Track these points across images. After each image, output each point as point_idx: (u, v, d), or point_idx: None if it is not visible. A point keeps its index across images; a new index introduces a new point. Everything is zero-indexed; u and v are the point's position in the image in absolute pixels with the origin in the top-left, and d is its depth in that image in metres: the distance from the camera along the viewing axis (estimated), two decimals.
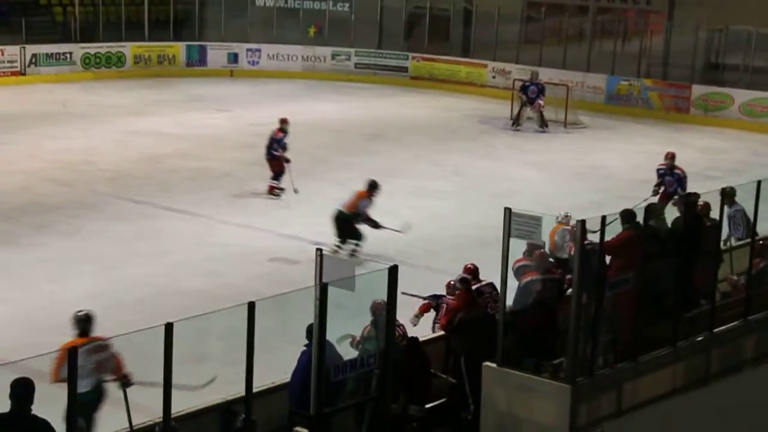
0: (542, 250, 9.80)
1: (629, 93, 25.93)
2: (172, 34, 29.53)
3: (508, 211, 8.88)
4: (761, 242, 10.99)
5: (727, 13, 25.86)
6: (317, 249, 8.02)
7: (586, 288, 8.89)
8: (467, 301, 9.53)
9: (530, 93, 23.37)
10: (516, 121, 23.52)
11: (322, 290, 7.53)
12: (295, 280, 10.28)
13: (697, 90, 25.17)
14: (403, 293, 11.11)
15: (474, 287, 9.83)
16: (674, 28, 26.68)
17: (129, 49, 28.55)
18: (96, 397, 8.15)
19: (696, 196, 10.23)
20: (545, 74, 26.38)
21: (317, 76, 29.11)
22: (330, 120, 24.03)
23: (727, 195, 10.76)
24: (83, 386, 7.42)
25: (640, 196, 15.52)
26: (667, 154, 16.60)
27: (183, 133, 21.85)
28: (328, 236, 14.74)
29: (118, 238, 14.85)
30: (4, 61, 26.74)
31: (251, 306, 7.21)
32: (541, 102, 23.32)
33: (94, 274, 13.33)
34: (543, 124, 23.42)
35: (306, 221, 15.95)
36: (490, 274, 10.01)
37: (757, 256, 10.90)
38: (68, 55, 27.80)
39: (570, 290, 9.53)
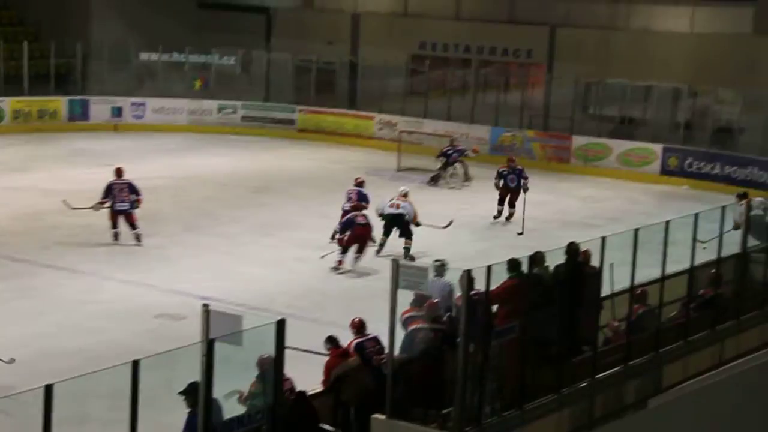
0: (432, 300, 9.87)
1: (512, 144, 26.50)
2: (54, 88, 29.01)
3: (395, 263, 8.97)
4: (640, 289, 11.30)
5: (603, 66, 26.75)
6: (203, 304, 7.94)
7: (473, 337, 9.00)
8: (339, 356, 9.58)
9: (451, 160, 23.71)
10: (434, 180, 23.65)
11: (209, 346, 7.45)
12: (182, 336, 10.13)
13: (577, 140, 25.89)
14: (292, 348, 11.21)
15: (357, 341, 9.86)
16: (554, 81, 27.46)
17: (8, 104, 27.93)
18: None
19: (576, 244, 10.47)
20: (430, 125, 26.86)
21: (204, 129, 28.96)
22: (217, 173, 23.89)
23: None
24: None
25: (525, 244, 15.81)
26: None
27: (65, 189, 21.37)
28: (215, 291, 14.59)
29: None
30: None
31: (135, 364, 7.08)
32: (469, 154, 23.90)
33: None
34: (467, 178, 23.74)
35: (192, 276, 15.77)
36: (380, 326, 10.06)
37: (636, 303, 11.21)
38: None
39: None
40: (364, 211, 17.10)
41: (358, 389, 9.36)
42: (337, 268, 16.46)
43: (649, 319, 11.36)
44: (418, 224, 17.51)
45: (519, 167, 20.62)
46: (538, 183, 24.03)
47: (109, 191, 17.52)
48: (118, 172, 17.88)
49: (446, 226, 18.31)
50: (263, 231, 18.84)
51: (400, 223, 17.38)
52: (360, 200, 17.68)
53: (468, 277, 8.97)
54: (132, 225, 17.44)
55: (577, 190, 23.62)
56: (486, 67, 29.44)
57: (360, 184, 18.31)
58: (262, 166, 25.23)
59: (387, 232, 17.43)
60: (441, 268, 11.62)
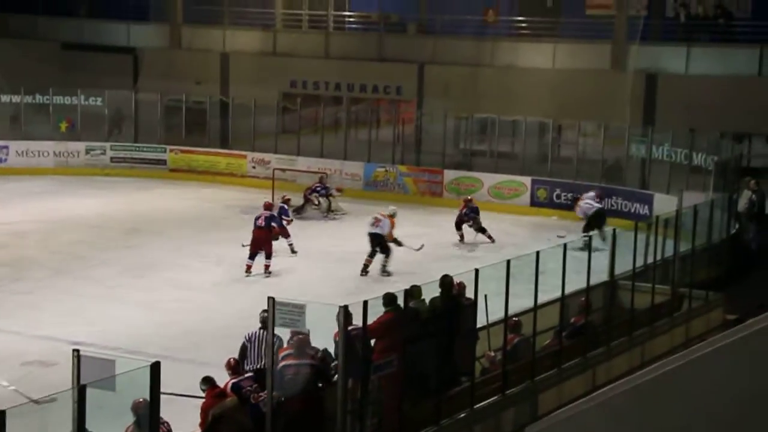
0: (301, 336, 9.67)
1: (386, 179, 26.74)
2: None
3: (271, 301, 8.93)
4: (514, 319, 11.51)
5: (471, 102, 27.31)
6: (74, 349, 7.73)
7: (351, 372, 9.00)
8: (216, 397, 9.47)
9: (320, 194, 24.06)
10: (299, 210, 23.79)
11: (80, 392, 7.25)
12: (54, 383, 9.82)
13: (449, 175, 26.28)
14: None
15: (234, 381, 9.75)
16: (424, 117, 27.87)
17: None
18: None
19: (450, 277, 10.61)
20: (303, 162, 26.89)
21: (71, 171, 28.29)
22: (87, 216, 23.35)
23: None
24: None
25: (402, 279, 15.93)
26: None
27: None
28: (87, 336, 14.21)
29: None
30: None
31: (1, 415, 6.82)
32: (333, 194, 24.35)
33: None
34: (330, 211, 24.13)
35: (62, 321, 15.33)
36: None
37: (511, 333, 11.41)
38: None
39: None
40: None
41: (236, 429, 9.24)
42: (247, 272, 18.35)
43: (524, 348, 11.58)
44: (397, 243, 18.88)
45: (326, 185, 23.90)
46: (411, 216, 24.32)
47: None
48: None
49: (419, 249, 19.51)
50: (136, 273, 18.49)
51: (380, 241, 18.56)
52: (267, 226, 18.68)
53: (345, 313, 9.00)
54: None
55: (450, 223, 23.89)
56: (357, 104, 29.69)
57: (286, 202, 21.03)
58: (133, 207, 24.78)
59: (372, 253, 18.66)
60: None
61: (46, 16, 32.44)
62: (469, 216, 22.02)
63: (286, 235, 20.03)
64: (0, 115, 29.02)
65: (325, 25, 31.24)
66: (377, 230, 18.90)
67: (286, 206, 20.90)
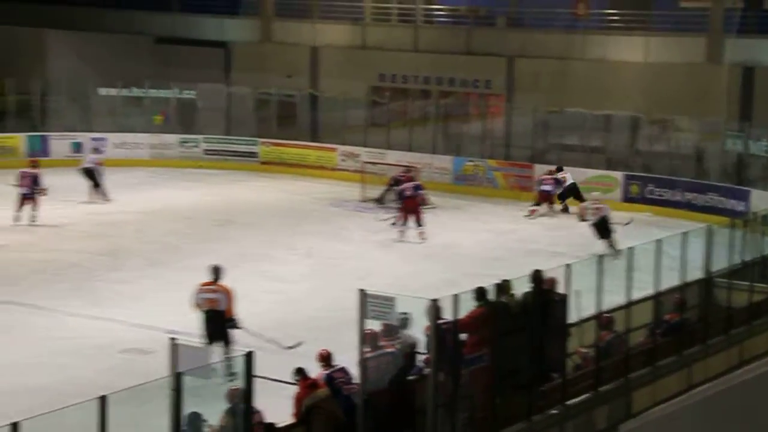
0: (372, 330, 9.52)
1: (475, 173, 26.65)
2: (12, 125, 28.79)
3: (362, 293, 8.99)
4: (606, 315, 11.38)
5: (561, 96, 27.01)
6: (171, 338, 7.90)
7: (442, 366, 9.02)
8: (308, 388, 9.57)
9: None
10: (380, 200, 24.11)
11: (177, 380, 7.41)
12: (150, 371, 10.04)
13: (539, 170, 26.05)
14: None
15: (326, 373, 9.83)
16: (513, 111, 27.69)
17: None
18: None
19: (541, 272, 10.54)
20: (393, 156, 26.96)
21: (165, 163, 28.84)
22: (180, 207, 23.79)
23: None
24: None
25: (491, 273, 15.85)
26: None
27: (27, 226, 21.22)
28: (182, 324, 14.47)
29: None
30: None
31: (102, 400, 7.01)
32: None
33: None
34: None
35: (158, 310, 15.65)
36: (348, 357, 10.05)
37: (604, 329, 11.29)
38: None
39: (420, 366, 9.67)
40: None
41: (328, 420, 9.33)
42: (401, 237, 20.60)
43: (617, 345, 11.45)
44: (234, 325, 13.14)
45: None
46: (502, 211, 24.24)
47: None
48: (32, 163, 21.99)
49: (292, 347, 13.41)
50: (228, 264, 18.69)
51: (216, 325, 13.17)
52: (414, 195, 21.00)
53: (435, 307, 9.01)
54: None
55: (542, 218, 23.78)
56: (446, 98, 29.63)
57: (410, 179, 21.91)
58: (225, 199, 25.16)
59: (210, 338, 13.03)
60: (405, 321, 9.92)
61: (141, 11, 33.09)
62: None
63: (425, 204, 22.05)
64: (98, 109, 29.73)
65: (414, 18, 31.24)
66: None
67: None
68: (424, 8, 31.21)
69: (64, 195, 24.15)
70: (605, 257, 11.20)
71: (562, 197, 24.21)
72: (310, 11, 31.68)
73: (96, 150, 26.02)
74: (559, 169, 24.43)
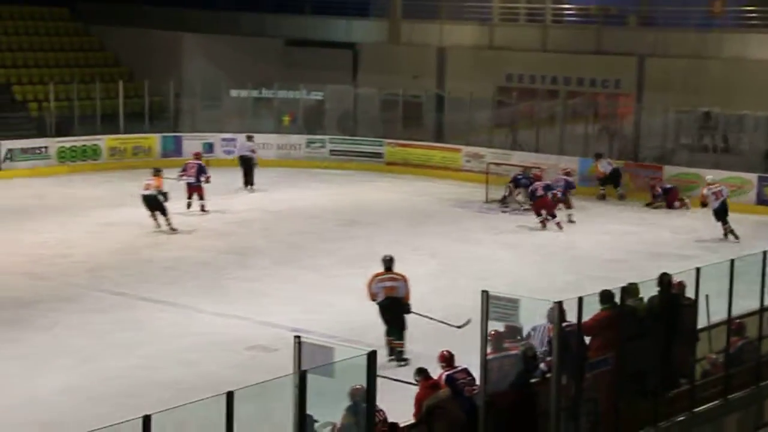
0: (496, 330, 9.45)
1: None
2: (147, 125, 29.75)
3: (485, 294, 8.94)
4: (738, 321, 11.05)
5: (693, 96, 26.32)
6: (295, 336, 8.01)
7: (565, 369, 8.90)
8: (429, 388, 9.55)
9: (519, 185, 24.27)
10: (503, 201, 24.19)
11: (301, 378, 7.50)
12: (274, 367, 10.21)
13: (669, 171, 25.50)
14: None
15: (448, 373, 9.81)
16: (643, 110, 27.13)
17: (104, 141, 28.72)
18: None
19: (669, 275, 10.30)
20: (518, 157, 26.77)
21: (292, 164, 29.32)
22: (306, 207, 24.15)
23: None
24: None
25: (614, 276, 15.58)
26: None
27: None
28: (306, 323, 14.71)
29: (95, 331, 14.73)
30: None
31: (230, 396, 7.15)
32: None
33: (71, 368, 13.20)
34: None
35: (283, 308, 15.92)
36: (468, 358, 10.01)
37: (734, 335, 10.97)
38: (44, 149, 27.91)
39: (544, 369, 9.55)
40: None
41: (450, 421, 9.31)
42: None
43: (749, 351, 11.11)
44: (407, 310, 13.78)
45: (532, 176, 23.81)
46: (630, 213, 23.79)
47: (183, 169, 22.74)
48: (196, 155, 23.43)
49: (462, 326, 13.42)
50: (354, 263, 18.93)
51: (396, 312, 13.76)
52: (567, 188, 22.97)
53: (559, 309, 8.90)
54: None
55: (668, 220, 23.27)
56: (574, 98, 29.25)
57: (567, 174, 23.68)
58: (351, 199, 25.41)
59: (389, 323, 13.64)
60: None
61: (272, 14, 33.70)
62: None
63: (568, 206, 22.74)
64: (228, 110, 30.43)
65: (542, 18, 30.94)
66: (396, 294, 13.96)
67: (569, 178, 23.43)
68: (553, 7, 30.87)
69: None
70: (727, 240, 10.79)
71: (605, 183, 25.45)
72: (438, 12, 31.72)
73: (249, 138, 26.85)
74: (599, 156, 25.78)
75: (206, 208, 22.57)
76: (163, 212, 20.89)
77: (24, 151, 27.50)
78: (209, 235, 21.12)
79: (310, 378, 7.50)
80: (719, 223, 21.05)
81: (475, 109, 28.82)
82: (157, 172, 21.30)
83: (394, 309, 13.44)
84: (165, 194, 20.86)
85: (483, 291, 9.10)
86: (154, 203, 20.80)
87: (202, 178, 22.63)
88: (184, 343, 14.24)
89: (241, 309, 15.91)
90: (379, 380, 8.12)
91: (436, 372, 10.02)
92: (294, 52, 33.19)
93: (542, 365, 9.68)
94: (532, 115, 28.82)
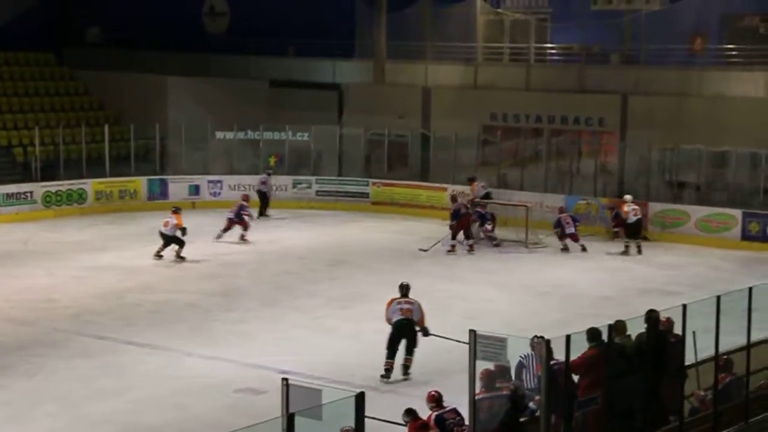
0: (487, 368, 9.51)
1: (587, 212, 26.30)
2: (133, 168, 29.76)
3: (473, 334, 8.94)
4: (725, 357, 11.05)
5: (676, 133, 26.51)
6: (283, 378, 7.99)
7: (554, 408, 8.88)
8: (419, 429, 9.51)
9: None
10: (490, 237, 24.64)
11: (289, 420, 7.47)
12: (262, 410, 10.15)
13: (654, 207, 25.62)
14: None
15: (437, 414, 9.78)
16: (627, 148, 27.30)
17: (90, 185, 28.68)
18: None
19: (656, 312, 10.31)
20: (504, 195, 26.85)
21: (279, 204, 29.31)
22: (293, 247, 24.13)
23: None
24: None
25: (603, 312, 15.60)
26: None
27: (145, 267, 21.82)
28: (294, 365, 14.65)
29: (80, 376, 14.62)
30: None
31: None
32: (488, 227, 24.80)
33: (56, 414, 13.10)
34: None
35: (271, 350, 15.86)
36: (457, 398, 9.99)
37: (722, 372, 10.96)
38: (29, 194, 27.83)
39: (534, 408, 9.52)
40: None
41: None
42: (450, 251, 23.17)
43: (737, 388, 11.09)
44: (426, 332, 14.67)
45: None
46: (615, 250, 23.87)
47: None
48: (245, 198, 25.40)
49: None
50: (340, 304, 18.93)
51: (410, 332, 14.60)
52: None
53: (547, 347, 8.89)
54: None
55: (655, 256, 23.34)
56: (558, 136, 29.41)
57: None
58: (337, 239, 25.40)
59: (392, 349, 14.51)
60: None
61: (257, 55, 33.86)
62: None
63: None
64: (214, 152, 30.48)
65: (526, 57, 31.19)
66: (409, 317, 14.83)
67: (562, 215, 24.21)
68: (536, 47, 31.12)
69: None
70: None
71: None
72: (422, 53, 31.91)
73: (268, 172, 28.72)
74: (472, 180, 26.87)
75: (247, 240, 24.44)
76: (179, 244, 22.20)
77: (9, 196, 27.42)
78: (195, 277, 21.07)
79: (298, 420, 7.46)
80: (629, 240, 23.51)
81: (460, 148, 28.95)
82: (176, 210, 22.86)
83: (409, 329, 14.52)
84: (184, 229, 22.28)
85: (470, 330, 9.10)
86: (172, 239, 22.22)
87: (244, 214, 24.59)
88: (171, 387, 14.15)
89: (229, 351, 15.84)
90: (367, 421, 8.09)
91: (425, 413, 9.99)
92: (279, 93, 33.31)
93: (531, 404, 9.67)
94: (516, 154, 28.93)
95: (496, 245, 24.14)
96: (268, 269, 21.94)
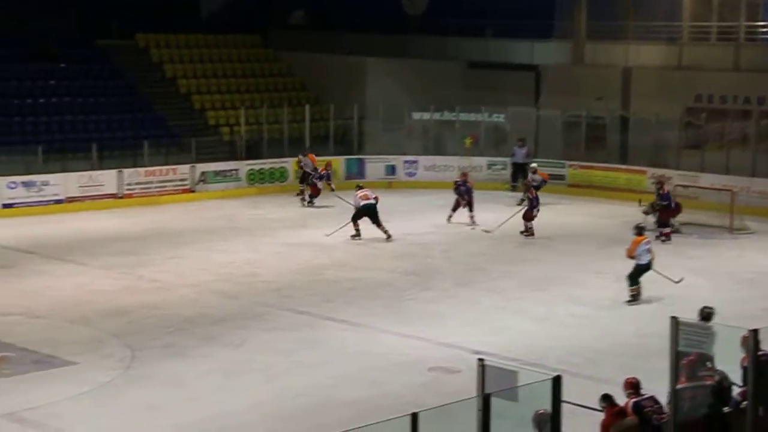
0: (690, 358, 9.27)
1: None
2: (332, 148, 30.43)
3: (674, 321, 8.68)
4: None
5: None
6: (478, 359, 7.99)
7: (762, 400, 8.53)
8: (615, 415, 9.30)
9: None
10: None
11: (485, 401, 7.47)
12: (456, 390, 10.20)
13: None
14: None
15: (635, 401, 9.55)
16: None
17: (291, 164, 29.54)
18: None
19: None
20: (707, 180, 25.89)
21: (474, 186, 29.23)
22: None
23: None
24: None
25: None
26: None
27: (342, 244, 22.29)
28: (487, 345, 14.65)
29: (282, 349, 15.09)
30: (175, 180, 28.04)
31: (414, 417, 7.17)
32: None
33: (260, 384, 13.58)
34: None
35: (464, 330, 15.91)
36: (655, 386, 9.74)
37: None
38: (234, 172, 28.98)
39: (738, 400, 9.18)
40: None
41: None
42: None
43: None
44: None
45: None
46: None
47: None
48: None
49: (678, 281, 18.30)
50: (534, 286, 18.77)
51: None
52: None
53: (755, 338, 8.54)
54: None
55: None
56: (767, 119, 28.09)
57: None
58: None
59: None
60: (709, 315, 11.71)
61: (455, 37, 33.90)
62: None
63: None
64: (410, 132, 30.77)
65: (735, 36, 29.88)
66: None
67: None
68: (747, 25, 29.78)
69: (380, 216, 25.12)
70: None
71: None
72: (624, 32, 31.12)
73: (522, 143, 28.99)
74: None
75: (475, 224, 24.33)
76: (378, 223, 22.29)
77: (217, 173, 28.63)
78: (389, 255, 21.36)
79: (494, 401, 7.45)
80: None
81: (662, 131, 28.10)
82: (359, 188, 23.25)
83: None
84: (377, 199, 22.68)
85: (671, 317, 8.85)
86: (373, 212, 22.40)
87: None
88: (367, 363, 14.42)
89: (423, 330, 15.99)
90: (563, 405, 8.00)
91: (620, 399, 9.78)
92: (476, 74, 33.24)
93: (736, 395, 9.31)
94: (722, 137, 27.83)
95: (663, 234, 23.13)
96: (461, 250, 22.00)
